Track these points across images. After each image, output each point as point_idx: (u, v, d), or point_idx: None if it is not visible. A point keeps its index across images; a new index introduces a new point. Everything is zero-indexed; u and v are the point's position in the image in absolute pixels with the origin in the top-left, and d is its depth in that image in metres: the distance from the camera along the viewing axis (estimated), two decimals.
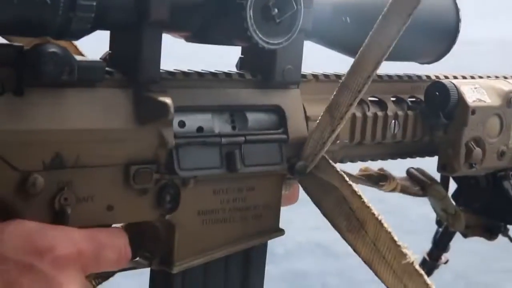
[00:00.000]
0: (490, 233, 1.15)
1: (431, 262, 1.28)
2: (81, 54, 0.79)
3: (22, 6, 0.64)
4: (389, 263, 0.83)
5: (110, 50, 0.76)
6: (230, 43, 0.81)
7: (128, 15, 0.72)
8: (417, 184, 1.05)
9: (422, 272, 0.82)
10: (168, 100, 0.73)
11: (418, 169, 1.06)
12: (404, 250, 0.82)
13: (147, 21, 0.73)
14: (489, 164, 1.03)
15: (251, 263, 0.86)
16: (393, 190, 1.03)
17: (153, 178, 0.75)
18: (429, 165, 1.06)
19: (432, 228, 1.27)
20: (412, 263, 0.82)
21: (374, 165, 1.01)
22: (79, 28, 0.68)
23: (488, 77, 1.07)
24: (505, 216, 1.13)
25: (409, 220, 3.99)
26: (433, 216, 1.15)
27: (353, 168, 0.97)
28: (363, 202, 0.84)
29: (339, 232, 0.86)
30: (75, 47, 0.85)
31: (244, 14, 0.75)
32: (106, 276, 0.85)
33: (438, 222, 1.26)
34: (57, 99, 0.69)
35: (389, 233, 0.83)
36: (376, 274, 0.84)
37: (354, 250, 0.85)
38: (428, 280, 0.82)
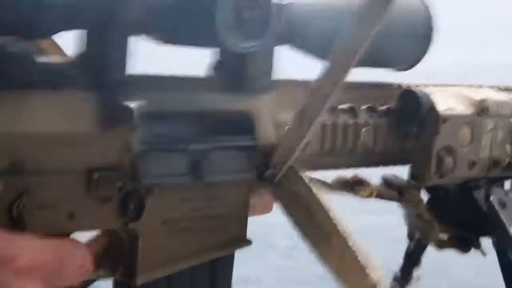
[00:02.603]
0: (463, 246, 1.14)
1: (403, 278, 1.26)
2: (63, 53, 0.77)
3: None
4: (353, 282, 0.81)
5: (77, 51, 0.74)
6: (200, 44, 0.79)
7: (96, 16, 0.70)
8: (393, 189, 1.03)
9: None
10: (133, 105, 0.71)
11: (393, 175, 1.05)
12: (368, 271, 0.81)
13: (114, 22, 0.70)
14: (460, 174, 1.02)
15: (218, 273, 0.83)
16: (369, 195, 1.02)
17: (117, 185, 0.73)
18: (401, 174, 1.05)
19: None
20: (375, 285, 0.81)
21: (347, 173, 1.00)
22: (48, 28, 0.66)
23: (461, 85, 1.06)
24: (476, 228, 1.12)
25: None
26: None
27: (329, 174, 0.96)
28: (330, 217, 0.82)
29: (308, 245, 0.84)
30: (58, 46, 0.82)
31: (215, 16, 0.73)
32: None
33: (410, 235, 1.25)
34: (17, 101, 0.67)
35: (354, 251, 0.81)
36: None
37: (323, 263, 0.83)
38: None
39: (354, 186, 0.98)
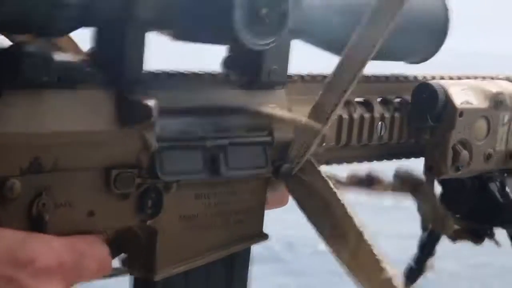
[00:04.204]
0: (476, 237, 1.14)
1: (417, 268, 1.26)
2: (80, 51, 0.76)
3: (5, 3, 0.62)
4: (368, 276, 0.82)
5: (92, 48, 0.73)
6: (216, 42, 0.79)
7: (113, 13, 0.69)
8: (406, 185, 1.03)
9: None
10: (151, 102, 0.71)
11: (406, 170, 1.04)
12: (383, 265, 0.81)
13: (132, 19, 0.70)
14: (476, 167, 1.01)
15: (235, 268, 0.84)
16: (382, 192, 1.02)
17: (135, 182, 0.73)
18: (415, 167, 1.04)
19: None
20: (390, 279, 0.81)
21: (361, 168, 1.00)
22: (63, 26, 0.66)
23: (476, 77, 1.05)
24: (491, 219, 1.12)
25: None
26: None
27: (342, 169, 0.96)
28: (346, 211, 0.82)
29: (322, 239, 0.84)
30: (75, 44, 0.81)
31: (232, 13, 0.73)
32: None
33: (424, 227, 1.24)
34: (36, 101, 0.67)
35: (369, 246, 0.81)
36: (355, 284, 0.83)
37: (337, 258, 0.83)
38: None
39: (367, 182, 0.98)
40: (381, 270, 0.81)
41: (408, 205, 1.07)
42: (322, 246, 0.85)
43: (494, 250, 1.18)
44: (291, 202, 0.89)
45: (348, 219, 0.82)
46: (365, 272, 0.82)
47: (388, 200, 1.04)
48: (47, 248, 0.66)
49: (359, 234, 0.82)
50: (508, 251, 1.13)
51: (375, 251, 0.81)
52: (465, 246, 1.15)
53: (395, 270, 0.82)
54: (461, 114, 0.97)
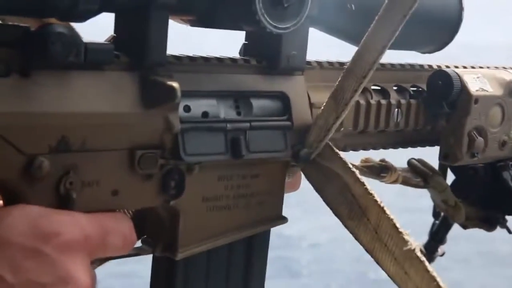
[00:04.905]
0: (489, 224, 1.15)
1: (428, 255, 1.27)
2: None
3: None
4: (390, 251, 0.82)
5: (115, 33, 0.75)
6: (236, 27, 0.80)
7: None
8: (419, 175, 1.04)
9: (423, 258, 0.82)
10: (175, 84, 0.72)
11: (419, 160, 1.05)
12: (406, 237, 0.82)
13: (155, 3, 0.72)
14: (490, 154, 1.02)
15: (254, 250, 0.85)
16: (394, 181, 1.02)
17: (158, 163, 0.74)
18: (429, 155, 1.05)
19: None
20: (414, 250, 0.81)
21: (375, 156, 1.01)
22: (86, 9, 0.67)
23: (488, 67, 1.07)
24: (504, 206, 1.13)
25: None
26: None
27: (354, 158, 0.97)
28: (366, 189, 0.83)
29: (340, 220, 0.85)
30: None
31: None
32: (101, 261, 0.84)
33: (435, 214, 1.25)
34: (64, 81, 0.68)
35: (391, 220, 0.82)
36: (377, 262, 0.83)
37: (356, 238, 0.84)
38: (430, 266, 0.81)
39: (380, 171, 0.99)
40: (404, 242, 0.81)
41: None
42: None
43: None
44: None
45: (369, 196, 0.83)
46: (388, 247, 0.82)
47: None
48: (73, 223, 0.68)
49: (381, 210, 0.82)
50: None
51: (397, 225, 0.82)
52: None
53: (416, 242, 0.83)
54: (476, 101, 0.98)
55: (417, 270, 0.81)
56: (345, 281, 3.93)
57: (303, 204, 3.39)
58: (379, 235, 0.82)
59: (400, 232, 0.81)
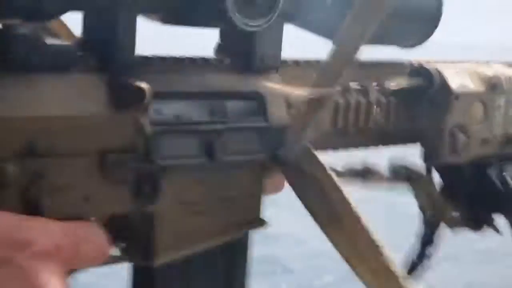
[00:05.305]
0: (475, 224, 1.13)
1: (416, 257, 1.25)
2: (71, 34, 0.76)
3: None
4: (366, 261, 0.81)
5: (83, 33, 0.73)
6: (207, 24, 0.79)
7: None
8: (403, 179, 1.03)
9: (398, 272, 0.81)
10: (144, 85, 0.70)
11: (401, 165, 1.03)
12: (382, 250, 0.80)
13: (122, 2, 0.70)
14: (473, 152, 1.01)
15: (234, 254, 0.83)
16: (378, 184, 1.01)
17: (130, 167, 0.72)
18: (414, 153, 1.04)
19: None
20: (389, 262, 0.80)
21: (358, 156, 0.99)
22: (51, 9, 0.65)
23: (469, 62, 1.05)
24: (491, 205, 1.12)
25: None
26: None
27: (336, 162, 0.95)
28: (343, 195, 0.82)
29: (319, 226, 0.84)
30: (66, 27, 0.81)
31: None
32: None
33: (421, 216, 1.24)
34: (27, 84, 0.66)
35: (366, 230, 0.81)
36: (354, 271, 0.82)
37: (333, 245, 0.83)
38: (404, 280, 0.80)
39: (363, 174, 0.98)
40: (381, 253, 0.80)
41: None
42: None
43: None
44: None
45: (345, 205, 0.81)
46: (363, 258, 0.81)
47: None
48: (44, 231, 0.65)
49: (356, 219, 0.81)
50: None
51: (373, 236, 0.81)
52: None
53: (394, 255, 0.81)
54: (457, 98, 0.96)
55: (392, 282, 0.80)
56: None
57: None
58: (355, 244, 0.81)
59: (376, 243, 0.80)
